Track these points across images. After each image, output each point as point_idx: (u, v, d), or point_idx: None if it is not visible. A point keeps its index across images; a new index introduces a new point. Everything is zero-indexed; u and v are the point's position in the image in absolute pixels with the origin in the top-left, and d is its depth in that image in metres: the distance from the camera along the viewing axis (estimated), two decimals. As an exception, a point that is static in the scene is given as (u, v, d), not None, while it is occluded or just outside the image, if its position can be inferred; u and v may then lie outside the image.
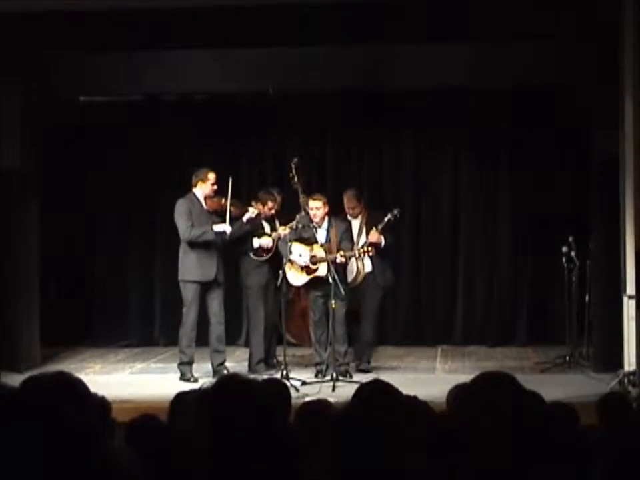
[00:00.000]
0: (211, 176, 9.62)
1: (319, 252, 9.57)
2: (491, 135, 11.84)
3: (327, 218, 9.71)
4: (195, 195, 9.66)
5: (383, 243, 9.79)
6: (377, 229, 9.75)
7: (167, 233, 11.97)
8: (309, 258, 9.60)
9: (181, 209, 9.60)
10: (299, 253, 9.62)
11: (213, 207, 9.63)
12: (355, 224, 9.96)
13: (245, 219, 9.60)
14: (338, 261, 9.46)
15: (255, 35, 9.63)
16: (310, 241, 9.66)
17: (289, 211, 9.95)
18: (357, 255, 9.59)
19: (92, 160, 12.14)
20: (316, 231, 9.66)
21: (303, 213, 9.65)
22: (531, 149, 11.66)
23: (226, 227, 9.51)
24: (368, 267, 9.84)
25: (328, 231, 9.70)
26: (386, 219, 9.79)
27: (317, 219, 9.62)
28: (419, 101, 11.38)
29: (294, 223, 9.59)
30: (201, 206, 9.62)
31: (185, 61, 10.40)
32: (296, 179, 9.71)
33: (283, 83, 10.49)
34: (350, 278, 9.81)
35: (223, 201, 9.58)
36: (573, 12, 9.31)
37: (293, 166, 9.76)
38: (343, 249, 9.59)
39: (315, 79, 10.45)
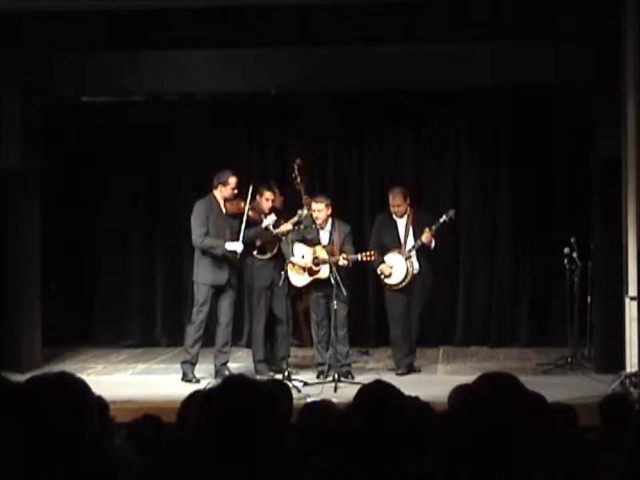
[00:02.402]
0: (232, 180, 9.55)
1: (322, 253, 9.56)
2: (491, 135, 11.83)
3: (330, 220, 9.71)
4: (214, 196, 9.61)
5: (433, 245, 9.75)
6: (430, 230, 9.68)
7: (168, 233, 12.01)
8: (311, 259, 9.60)
9: (197, 212, 9.56)
10: (302, 254, 9.61)
11: (232, 211, 9.58)
12: (401, 223, 9.84)
13: (263, 225, 9.56)
14: (341, 263, 9.46)
15: (256, 35, 9.63)
16: (313, 242, 9.65)
17: (291, 212, 9.93)
18: (359, 259, 9.57)
19: (93, 160, 12.14)
20: (319, 233, 9.66)
21: (305, 210, 9.62)
22: (532, 149, 11.65)
23: (238, 247, 9.42)
24: (416, 267, 9.76)
25: (331, 232, 9.70)
26: (441, 220, 9.73)
27: (319, 221, 9.61)
28: (420, 100, 11.37)
29: (295, 218, 9.55)
30: (220, 209, 9.57)
31: (186, 61, 10.39)
32: (299, 179, 9.69)
33: (285, 83, 10.49)
34: (399, 279, 9.74)
35: (242, 204, 9.54)
36: (573, 12, 9.31)
37: (296, 166, 9.73)
38: (345, 251, 9.58)
39: (316, 79, 10.44)
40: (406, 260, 9.72)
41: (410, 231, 9.79)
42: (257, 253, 9.74)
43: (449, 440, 3.21)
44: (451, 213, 9.86)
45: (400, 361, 9.91)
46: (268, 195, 9.74)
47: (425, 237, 9.66)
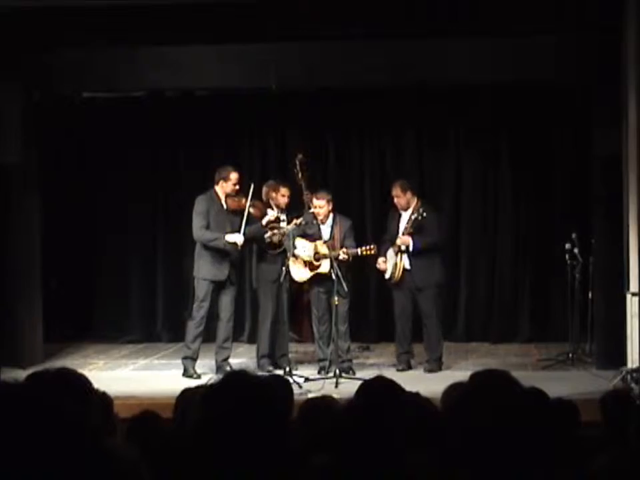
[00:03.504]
0: (234, 176, 9.55)
1: (322, 248, 9.57)
2: (492, 133, 11.82)
3: (331, 215, 9.71)
4: (215, 192, 9.60)
5: (411, 245, 9.60)
6: (405, 231, 9.61)
7: (169, 229, 12.02)
8: (312, 254, 9.60)
9: (199, 207, 9.56)
10: (303, 249, 9.62)
11: (233, 207, 9.56)
12: (404, 217, 9.74)
13: (264, 222, 9.55)
14: (341, 257, 9.46)
15: (257, 31, 9.63)
16: (314, 237, 9.65)
17: (292, 207, 9.92)
18: (360, 253, 9.56)
19: (93, 157, 12.14)
20: (319, 228, 9.66)
21: (308, 210, 9.62)
22: (533, 146, 11.65)
23: (238, 238, 9.41)
24: (406, 263, 9.65)
25: (332, 227, 9.70)
26: (412, 217, 9.61)
27: (320, 217, 9.62)
28: (420, 98, 11.36)
29: (301, 219, 9.53)
30: (221, 205, 9.57)
31: (186, 57, 10.38)
32: (300, 175, 9.68)
33: (286, 79, 10.48)
34: (389, 274, 9.70)
35: (244, 201, 9.53)
36: (574, 10, 9.30)
37: (298, 162, 9.72)
38: (346, 246, 9.58)
39: (317, 75, 10.44)
40: (396, 254, 9.69)
41: (413, 226, 9.71)
42: (268, 248, 9.72)
43: (448, 439, 3.21)
44: (420, 210, 9.67)
45: (400, 357, 9.92)
46: (284, 191, 9.75)
47: (400, 240, 9.60)
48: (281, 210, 9.72)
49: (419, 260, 9.68)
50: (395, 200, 9.78)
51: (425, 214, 9.56)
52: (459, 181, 11.93)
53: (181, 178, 11.99)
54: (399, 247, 9.59)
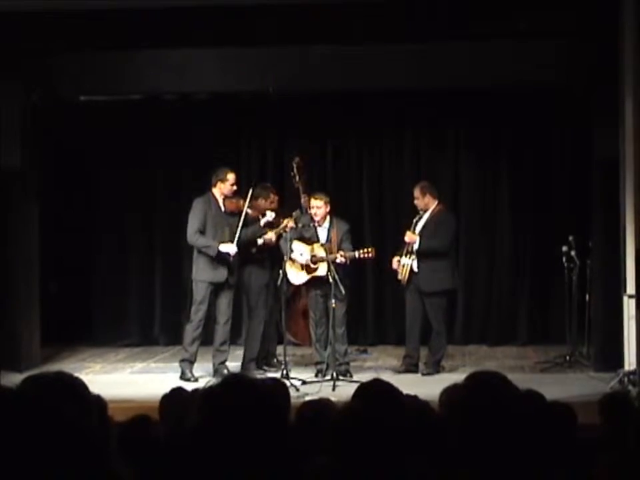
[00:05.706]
0: (231, 176, 9.54)
1: (320, 251, 9.56)
2: (491, 135, 11.83)
3: (328, 218, 9.70)
4: (213, 194, 9.59)
5: (417, 244, 9.62)
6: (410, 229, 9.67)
7: (167, 232, 12.00)
8: (309, 257, 9.60)
9: (195, 210, 9.55)
10: (300, 251, 9.61)
11: (231, 208, 9.55)
12: (423, 219, 9.79)
13: (262, 222, 9.56)
14: (338, 261, 9.44)
15: (255, 34, 9.63)
16: (311, 240, 9.65)
17: (290, 211, 9.92)
18: (357, 256, 9.55)
19: (92, 159, 12.13)
20: (317, 231, 9.65)
21: (300, 211, 9.64)
22: (531, 148, 11.66)
23: (231, 249, 9.40)
24: (414, 266, 9.65)
25: (329, 230, 9.68)
26: (414, 221, 9.70)
27: (317, 218, 9.60)
28: (419, 100, 11.37)
29: (292, 218, 9.55)
30: (218, 207, 9.56)
31: (185, 61, 10.39)
32: (297, 178, 9.70)
33: (284, 82, 10.49)
34: (400, 274, 9.71)
35: (241, 202, 9.52)
36: (573, 11, 9.31)
37: (295, 165, 9.73)
38: (344, 249, 9.56)
39: (315, 78, 10.44)
40: (405, 255, 9.67)
41: (425, 228, 9.76)
42: (257, 252, 9.73)
43: (447, 440, 3.21)
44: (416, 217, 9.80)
45: (403, 359, 9.92)
46: (272, 196, 9.78)
47: (407, 236, 9.64)
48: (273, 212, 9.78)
49: (424, 263, 9.68)
50: (415, 201, 9.81)
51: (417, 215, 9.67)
52: (458, 183, 11.93)
53: (180, 181, 11.98)
54: (407, 246, 9.59)
